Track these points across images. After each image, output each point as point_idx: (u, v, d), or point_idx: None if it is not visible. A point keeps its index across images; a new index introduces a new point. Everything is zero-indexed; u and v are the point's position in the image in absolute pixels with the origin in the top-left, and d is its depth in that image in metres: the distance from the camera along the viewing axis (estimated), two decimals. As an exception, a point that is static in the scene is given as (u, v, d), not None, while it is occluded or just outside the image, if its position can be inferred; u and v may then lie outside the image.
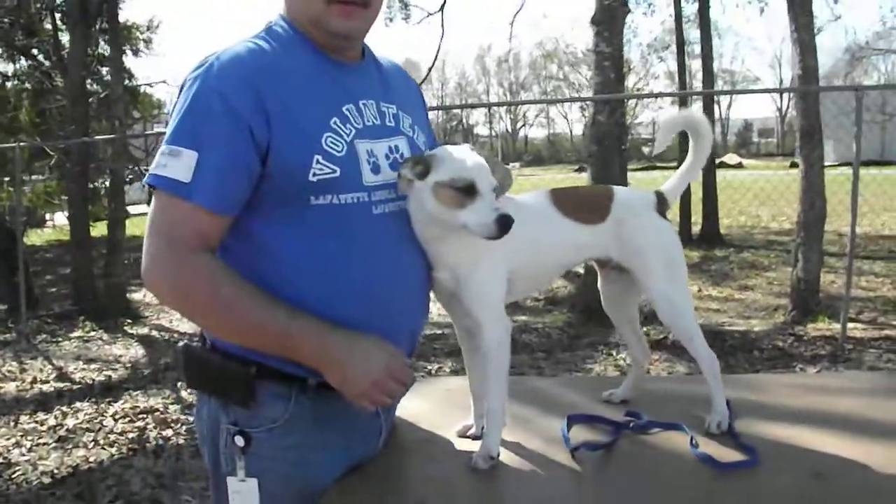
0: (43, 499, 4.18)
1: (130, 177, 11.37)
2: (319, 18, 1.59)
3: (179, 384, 6.05)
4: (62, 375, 6.79)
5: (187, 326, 8.08)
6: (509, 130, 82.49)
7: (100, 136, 10.46)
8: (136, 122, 15.54)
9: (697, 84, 20.77)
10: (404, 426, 1.93)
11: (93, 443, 4.98)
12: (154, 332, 8.41)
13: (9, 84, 16.74)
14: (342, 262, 1.57)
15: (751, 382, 2.47)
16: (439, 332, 7.14)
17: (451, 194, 1.56)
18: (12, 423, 5.46)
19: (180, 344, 7.21)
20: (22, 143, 9.60)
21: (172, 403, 5.68)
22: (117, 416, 5.44)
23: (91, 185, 12.11)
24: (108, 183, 11.44)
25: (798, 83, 7.52)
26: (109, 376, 6.64)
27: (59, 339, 8.35)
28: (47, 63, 14.33)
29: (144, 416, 5.43)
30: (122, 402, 5.82)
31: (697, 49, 17.44)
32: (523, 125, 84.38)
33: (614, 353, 6.50)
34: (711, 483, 1.61)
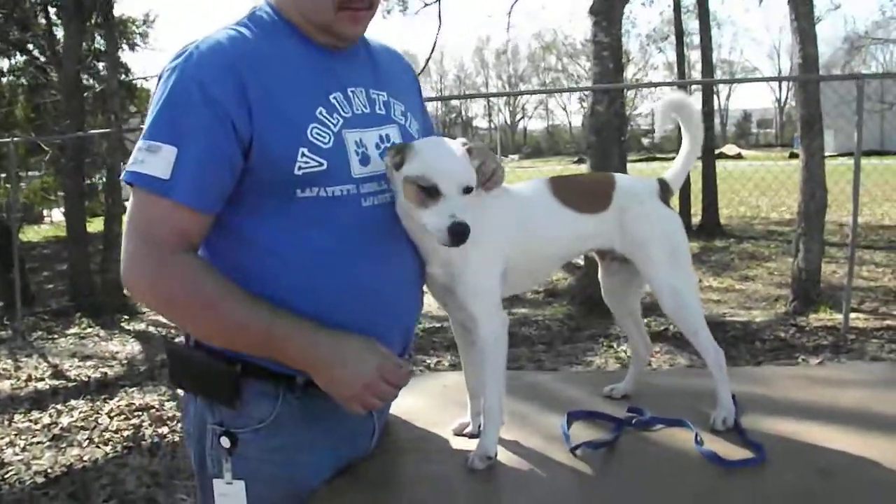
0: (36, 499, 4.12)
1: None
2: (329, 25, 1.52)
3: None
4: (57, 373, 6.73)
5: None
6: (508, 123, 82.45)
7: (95, 130, 10.39)
8: (132, 117, 15.46)
9: (696, 75, 20.69)
10: (398, 424, 1.87)
11: (87, 441, 4.92)
12: (151, 328, 8.35)
13: (4, 80, 16.70)
14: (329, 256, 1.50)
15: (754, 375, 2.41)
16: (438, 325, 7.09)
17: (415, 191, 1.48)
18: (6, 422, 5.41)
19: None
20: (16, 139, 9.50)
21: (168, 400, 5.61)
22: (112, 414, 5.38)
23: (88, 181, 12.06)
24: (104, 178, 11.38)
25: (798, 72, 7.45)
26: (105, 373, 6.59)
27: (55, 335, 8.31)
28: (42, 58, 14.25)
29: (140, 413, 5.37)
30: (117, 399, 5.76)
31: (696, 40, 17.40)
32: (522, 117, 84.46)
33: (615, 346, 6.44)
34: (716, 481, 1.55)
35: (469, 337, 1.70)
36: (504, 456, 1.64)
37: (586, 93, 8.41)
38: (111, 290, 9.30)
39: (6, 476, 4.46)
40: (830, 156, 8.51)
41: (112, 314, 8.88)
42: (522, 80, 75.48)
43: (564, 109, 78.14)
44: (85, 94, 11.59)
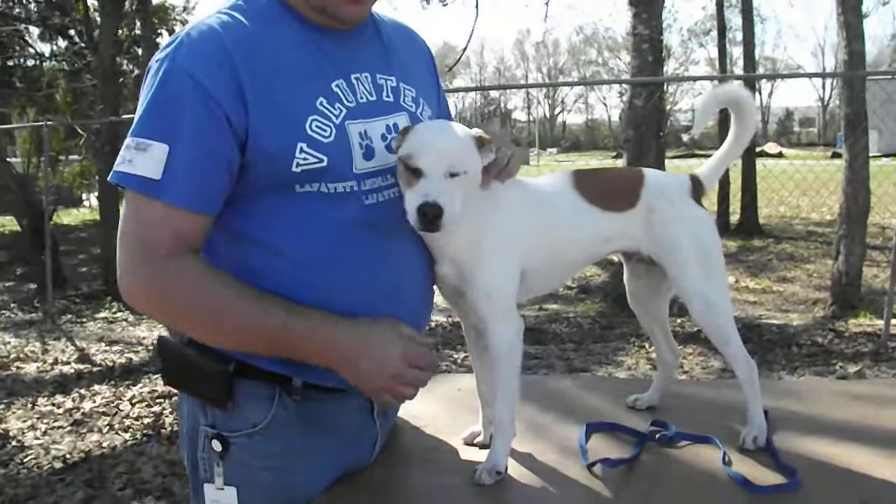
0: (52, 484, 4.08)
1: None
2: (327, 6, 1.40)
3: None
4: (83, 357, 6.73)
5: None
6: (547, 116, 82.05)
7: (129, 115, 10.40)
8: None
9: (738, 71, 20.29)
10: (406, 431, 1.76)
11: (107, 427, 4.89)
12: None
13: (45, 64, 16.86)
14: (328, 255, 1.40)
15: (790, 389, 2.27)
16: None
17: (403, 171, 1.39)
18: (30, 406, 5.40)
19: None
20: (49, 122, 9.53)
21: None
22: (134, 401, 5.35)
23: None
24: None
25: (843, 69, 7.22)
26: (130, 359, 6.57)
27: (85, 319, 8.33)
28: (81, 43, 14.35)
29: (162, 400, 5.33)
30: (140, 385, 5.73)
31: (739, 36, 17.05)
32: (561, 111, 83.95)
33: (647, 346, 6.27)
34: (745, 507, 1.42)
35: (481, 341, 1.59)
36: (515, 470, 1.53)
37: (625, 87, 8.23)
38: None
39: (25, 460, 4.44)
40: (874, 156, 8.26)
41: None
42: (562, 72, 75.12)
43: (604, 104, 77.59)
44: (122, 80, 11.61)
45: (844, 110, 7.28)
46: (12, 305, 9.26)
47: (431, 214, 1.33)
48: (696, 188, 1.69)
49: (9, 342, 7.40)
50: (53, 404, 5.41)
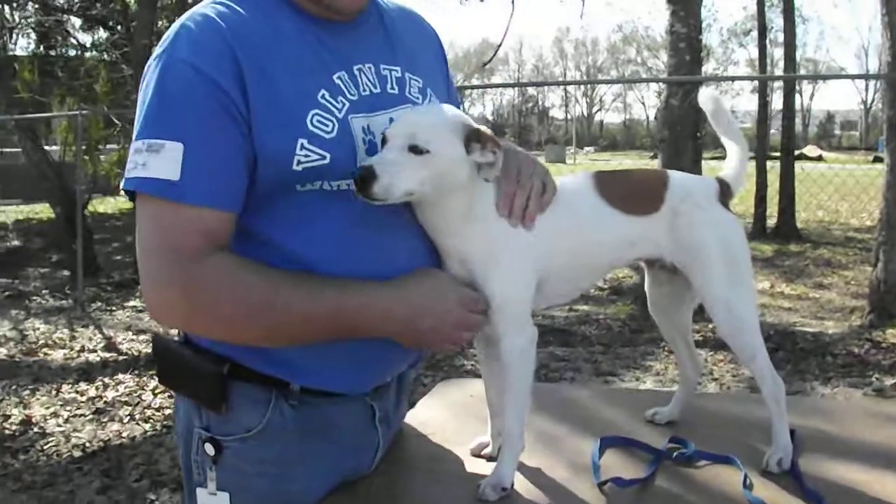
0: (70, 473, 4.08)
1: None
2: None
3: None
4: (110, 345, 6.76)
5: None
6: (585, 114, 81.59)
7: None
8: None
9: (779, 72, 19.95)
10: (411, 438, 1.68)
11: (128, 417, 4.89)
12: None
13: (86, 55, 17.03)
14: (328, 255, 1.33)
15: (821, 407, 2.15)
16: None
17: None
18: (54, 392, 5.42)
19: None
20: (83, 111, 9.60)
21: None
22: (157, 391, 5.33)
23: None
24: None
25: (887, 70, 7.02)
26: (156, 348, 6.57)
27: (114, 307, 8.37)
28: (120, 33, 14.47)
29: (184, 391, 5.31)
30: (164, 376, 5.72)
31: (780, 37, 16.76)
32: (599, 109, 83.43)
33: (676, 352, 6.16)
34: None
35: (492, 349, 1.50)
36: (521, 486, 1.44)
37: (662, 86, 8.08)
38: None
39: (45, 447, 4.45)
40: (919, 162, 8.01)
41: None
42: (601, 71, 74.63)
43: (642, 103, 76.89)
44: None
45: (887, 113, 7.10)
46: (44, 292, 9.34)
47: (359, 176, 1.25)
48: (724, 191, 1.59)
49: (38, 328, 7.47)
50: (77, 392, 5.43)
